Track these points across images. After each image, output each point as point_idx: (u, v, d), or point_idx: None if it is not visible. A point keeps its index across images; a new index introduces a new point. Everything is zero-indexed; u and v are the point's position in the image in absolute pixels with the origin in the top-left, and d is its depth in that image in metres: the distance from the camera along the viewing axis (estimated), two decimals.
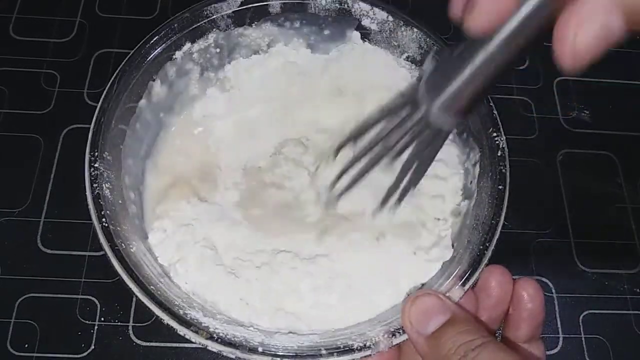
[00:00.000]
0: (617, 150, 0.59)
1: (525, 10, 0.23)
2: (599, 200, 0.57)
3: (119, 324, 0.48)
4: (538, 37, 0.24)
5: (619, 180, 0.58)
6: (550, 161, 0.58)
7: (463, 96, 0.28)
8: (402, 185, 0.34)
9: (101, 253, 0.50)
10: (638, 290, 0.53)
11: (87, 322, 0.48)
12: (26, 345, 0.47)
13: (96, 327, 0.48)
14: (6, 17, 0.61)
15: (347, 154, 0.35)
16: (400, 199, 0.35)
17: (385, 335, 0.35)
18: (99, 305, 0.49)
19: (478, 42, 0.26)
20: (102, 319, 0.48)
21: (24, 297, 0.49)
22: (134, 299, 0.49)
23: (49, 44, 0.60)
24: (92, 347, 0.47)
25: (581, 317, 0.52)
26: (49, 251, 0.50)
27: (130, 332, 0.48)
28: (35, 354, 0.47)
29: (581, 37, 0.22)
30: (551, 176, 0.58)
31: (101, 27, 0.61)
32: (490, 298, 0.37)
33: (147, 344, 0.48)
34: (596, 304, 0.52)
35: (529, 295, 0.37)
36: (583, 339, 0.51)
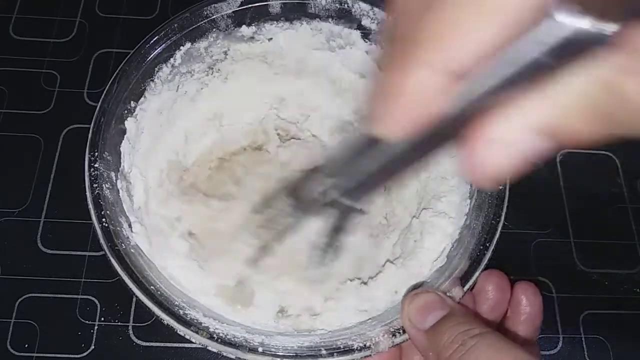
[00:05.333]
0: (617, 150, 0.59)
1: (437, 120, 0.21)
2: (599, 200, 0.57)
3: (119, 324, 0.48)
4: (447, 139, 0.22)
5: (619, 180, 0.58)
6: (550, 161, 0.58)
7: (362, 190, 0.29)
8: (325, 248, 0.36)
9: (101, 253, 0.50)
10: (638, 290, 0.53)
11: (87, 322, 0.48)
12: (26, 345, 0.47)
13: (96, 327, 0.48)
14: (6, 17, 0.61)
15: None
16: (327, 262, 0.37)
17: (385, 336, 0.35)
18: (99, 305, 0.49)
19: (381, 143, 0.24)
20: (102, 319, 0.48)
21: (24, 297, 0.49)
22: (134, 299, 0.49)
23: (49, 44, 0.59)
24: (92, 347, 0.47)
25: (581, 317, 0.52)
26: (49, 251, 0.50)
27: (130, 332, 0.48)
28: (35, 354, 0.47)
29: (489, 159, 0.19)
30: (551, 176, 0.58)
31: (101, 27, 0.61)
32: (487, 301, 0.37)
33: (147, 344, 0.48)
34: (596, 304, 0.52)
35: (527, 298, 0.37)
36: (583, 339, 0.51)
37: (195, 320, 0.35)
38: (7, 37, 0.60)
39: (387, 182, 0.28)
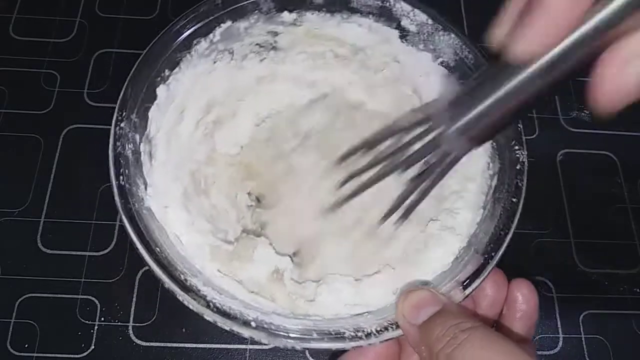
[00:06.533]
0: (617, 150, 0.59)
1: (570, 40, 0.22)
2: (599, 200, 0.57)
3: (119, 324, 0.48)
4: (575, 70, 0.23)
5: (619, 180, 0.58)
6: (550, 161, 0.58)
7: (482, 124, 0.27)
8: (407, 202, 0.35)
9: (101, 253, 0.50)
10: (638, 290, 0.53)
11: (87, 322, 0.48)
12: (26, 345, 0.47)
13: (96, 327, 0.48)
14: (6, 17, 0.61)
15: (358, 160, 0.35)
16: (404, 216, 0.36)
17: (379, 328, 0.35)
18: (99, 305, 0.49)
19: (509, 69, 0.24)
20: (102, 319, 0.48)
21: (24, 297, 0.49)
22: (134, 299, 0.49)
23: (49, 44, 0.59)
24: (92, 347, 0.47)
25: (581, 317, 0.52)
26: (49, 251, 0.50)
27: (130, 332, 0.48)
28: (35, 354, 0.47)
29: (622, 76, 0.20)
30: (551, 176, 0.58)
31: (101, 27, 0.61)
32: (486, 298, 0.37)
33: (147, 344, 0.48)
34: (596, 304, 0.52)
35: (523, 296, 0.37)
36: (583, 339, 0.51)
37: (194, 287, 0.36)
38: (7, 37, 0.60)
39: (508, 120, 0.27)
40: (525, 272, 0.53)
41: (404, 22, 0.46)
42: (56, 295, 0.49)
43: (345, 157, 0.37)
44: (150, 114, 0.43)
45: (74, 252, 0.50)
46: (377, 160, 0.34)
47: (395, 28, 0.47)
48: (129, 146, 0.40)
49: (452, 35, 0.45)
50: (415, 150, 0.32)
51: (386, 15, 0.47)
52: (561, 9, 0.21)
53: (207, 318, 0.35)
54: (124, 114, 0.40)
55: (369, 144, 0.35)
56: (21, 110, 0.56)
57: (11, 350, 0.47)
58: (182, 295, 0.35)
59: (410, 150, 0.32)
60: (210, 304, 0.35)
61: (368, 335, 0.35)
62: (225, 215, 0.46)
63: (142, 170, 0.41)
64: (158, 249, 0.36)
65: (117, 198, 0.37)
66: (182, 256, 0.39)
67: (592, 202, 0.57)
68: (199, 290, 0.36)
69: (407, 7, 0.46)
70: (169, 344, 0.48)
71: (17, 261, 0.50)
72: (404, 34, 0.47)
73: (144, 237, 0.36)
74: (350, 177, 0.36)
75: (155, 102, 0.43)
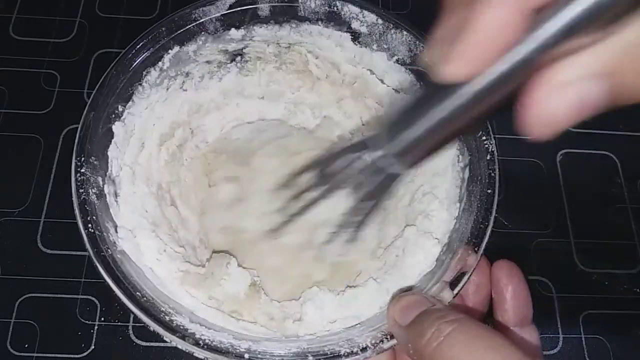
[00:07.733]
0: (617, 150, 0.59)
1: (508, 62, 0.21)
2: (599, 200, 0.57)
3: (119, 324, 0.48)
4: (514, 93, 0.21)
5: (619, 180, 0.58)
6: (550, 161, 0.58)
7: (416, 149, 0.27)
8: (350, 224, 0.35)
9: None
10: (638, 290, 0.53)
11: (87, 322, 0.48)
12: (26, 345, 0.47)
13: (96, 327, 0.48)
14: (6, 17, 0.61)
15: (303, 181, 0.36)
16: (349, 239, 0.36)
17: (373, 341, 0.35)
18: (99, 305, 0.49)
19: (445, 90, 0.23)
20: (102, 319, 0.48)
21: (24, 297, 0.49)
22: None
23: (49, 44, 0.60)
24: (92, 347, 0.47)
25: (581, 317, 0.52)
26: (49, 251, 0.50)
27: (130, 332, 0.48)
28: (35, 354, 0.47)
29: (552, 104, 0.20)
30: (551, 176, 0.58)
31: (101, 27, 0.61)
32: (470, 284, 0.37)
33: (147, 344, 0.48)
34: (596, 304, 0.52)
35: (505, 275, 0.36)
36: (583, 339, 0.51)
37: (181, 327, 0.35)
38: (7, 37, 0.60)
39: (444, 142, 0.26)
40: (525, 272, 0.53)
41: (355, 25, 0.46)
42: (56, 295, 0.49)
43: (290, 180, 0.37)
44: (110, 152, 0.42)
45: (74, 252, 0.50)
46: (319, 181, 0.34)
47: (346, 31, 0.46)
48: (93, 190, 0.39)
49: (404, 32, 0.45)
50: (353, 172, 0.32)
51: (335, 19, 0.46)
52: (494, 27, 0.20)
53: (199, 356, 0.34)
54: (83, 158, 0.39)
55: (311, 167, 0.35)
56: (21, 110, 0.56)
57: (11, 350, 0.47)
58: (169, 337, 0.34)
59: (350, 172, 0.32)
60: (200, 341, 0.34)
61: (364, 349, 0.35)
62: (192, 227, 0.46)
63: (109, 213, 0.40)
64: (139, 293, 0.36)
65: (88, 247, 0.36)
66: (163, 293, 0.39)
67: (592, 202, 0.57)
68: (185, 329, 0.35)
69: (355, 9, 0.45)
70: (168, 344, 0.47)
71: (17, 261, 0.50)
72: (356, 36, 0.47)
73: (123, 284, 0.36)
74: (294, 197, 0.36)
75: (113, 140, 0.42)
